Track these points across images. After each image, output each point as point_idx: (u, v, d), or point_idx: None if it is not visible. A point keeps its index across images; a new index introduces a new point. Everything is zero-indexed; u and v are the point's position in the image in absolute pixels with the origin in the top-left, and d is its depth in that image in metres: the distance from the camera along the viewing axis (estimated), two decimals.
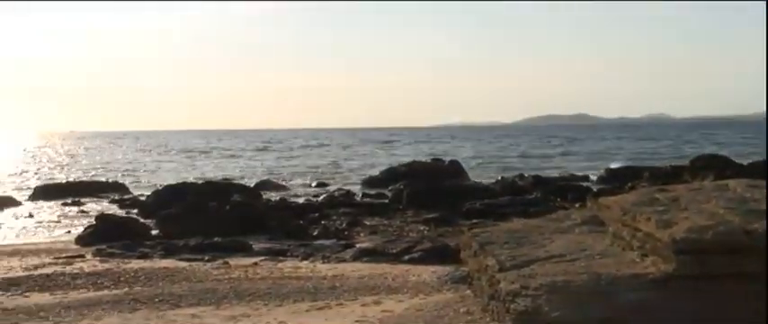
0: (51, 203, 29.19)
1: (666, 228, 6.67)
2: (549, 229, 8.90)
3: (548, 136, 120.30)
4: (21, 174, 50.12)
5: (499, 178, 34.67)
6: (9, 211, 26.74)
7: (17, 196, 31.14)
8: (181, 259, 15.18)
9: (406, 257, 14.47)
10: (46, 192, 32.48)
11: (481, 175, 38.12)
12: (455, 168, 34.59)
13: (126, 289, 11.42)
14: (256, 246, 16.64)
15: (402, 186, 26.41)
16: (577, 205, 19.35)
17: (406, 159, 43.42)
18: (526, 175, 35.04)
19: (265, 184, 34.09)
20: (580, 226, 8.81)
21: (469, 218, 20.95)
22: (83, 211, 26.47)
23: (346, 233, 19.24)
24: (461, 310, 8.79)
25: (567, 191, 26.57)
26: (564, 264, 7.29)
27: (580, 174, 37.91)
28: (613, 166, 39.25)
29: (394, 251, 14.97)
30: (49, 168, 56.71)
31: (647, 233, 6.97)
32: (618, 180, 30.05)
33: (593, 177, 34.93)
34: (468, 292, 9.50)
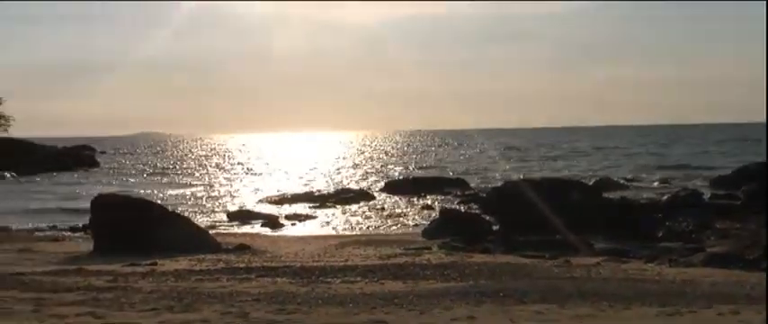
0: (400, 197, 31.41)
1: None
2: None
3: None
4: (373, 169, 54.45)
5: None
6: (364, 205, 29.22)
7: (371, 191, 33.94)
8: (522, 255, 15.41)
9: (765, 264, 13.27)
10: (395, 186, 35.14)
11: None
12: None
13: (471, 282, 11.79)
14: (597, 245, 16.35)
15: (758, 187, 24.24)
16: None
17: (761, 158, 39.75)
18: None
19: (605, 183, 33.32)
20: None
21: None
22: (427, 206, 28.01)
23: (694, 236, 18.16)
24: None
25: None
26: None
27: None
28: None
29: (751, 257, 13.84)
30: (398, 165, 60.81)
31: None
32: None
33: None
34: None
